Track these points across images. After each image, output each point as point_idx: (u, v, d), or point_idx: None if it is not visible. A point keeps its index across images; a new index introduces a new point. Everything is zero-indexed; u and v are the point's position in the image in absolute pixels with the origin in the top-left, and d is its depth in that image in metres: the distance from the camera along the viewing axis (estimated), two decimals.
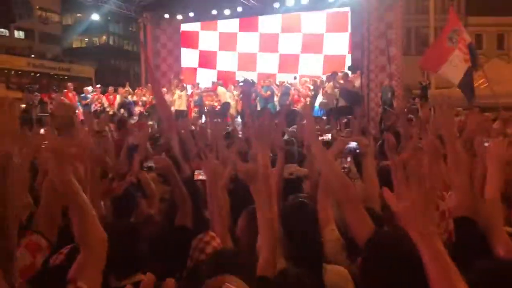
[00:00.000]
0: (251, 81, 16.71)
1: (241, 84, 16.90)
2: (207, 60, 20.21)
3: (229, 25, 19.73)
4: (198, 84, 18.52)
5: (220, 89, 16.93)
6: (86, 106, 16.71)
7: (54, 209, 2.29)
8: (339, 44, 17.66)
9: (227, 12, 18.72)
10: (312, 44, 18.23)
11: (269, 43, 19.10)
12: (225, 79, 18.34)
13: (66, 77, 33.07)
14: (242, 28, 19.59)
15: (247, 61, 19.52)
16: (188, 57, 20.43)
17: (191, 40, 20.41)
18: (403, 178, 1.41)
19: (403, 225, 1.42)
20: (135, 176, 3.69)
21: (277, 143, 3.51)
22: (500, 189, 2.39)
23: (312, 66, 18.12)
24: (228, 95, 16.65)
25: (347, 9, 16.99)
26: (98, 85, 17.21)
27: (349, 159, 3.82)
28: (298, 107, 15.18)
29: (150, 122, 12.57)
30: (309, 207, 2.59)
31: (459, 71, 9.38)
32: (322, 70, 17.56)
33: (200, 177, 3.56)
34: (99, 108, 16.50)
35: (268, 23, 19.06)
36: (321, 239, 2.50)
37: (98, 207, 3.31)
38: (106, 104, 17.10)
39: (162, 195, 3.73)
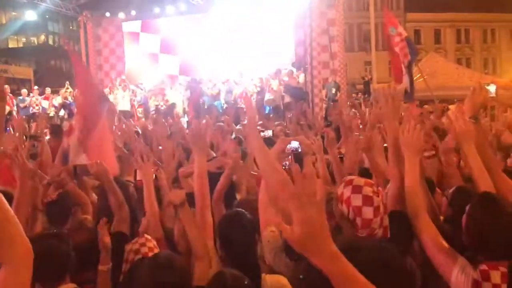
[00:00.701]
0: (197, 80, 16.57)
1: (188, 82, 16.72)
2: (150, 61, 19.74)
3: (171, 28, 19.34)
4: (141, 84, 18.09)
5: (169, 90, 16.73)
6: (24, 109, 16.01)
7: None
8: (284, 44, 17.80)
9: (170, 10, 18.44)
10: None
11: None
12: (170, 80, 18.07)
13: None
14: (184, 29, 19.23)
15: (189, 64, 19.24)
16: (133, 58, 19.93)
17: (133, 41, 19.88)
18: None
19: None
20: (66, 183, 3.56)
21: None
22: (418, 177, 2.45)
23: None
24: (175, 94, 16.46)
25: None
26: (36, 87, 16.46)
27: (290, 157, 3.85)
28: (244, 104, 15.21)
29: None
30: (245, 217, 2.56)
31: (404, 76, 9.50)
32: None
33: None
34: (37, 111, 15.81)
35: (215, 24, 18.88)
36: (256, 249, 2.47)
37: (33, 216, 3.18)
38: (46, 106, 16.43)
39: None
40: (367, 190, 2.05)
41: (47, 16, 30.62)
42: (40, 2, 17.98)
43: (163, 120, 9.77)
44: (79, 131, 4.18)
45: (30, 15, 18.89)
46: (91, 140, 4.11)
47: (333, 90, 15.01)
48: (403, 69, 9.46)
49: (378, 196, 2.06)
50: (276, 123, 9.04)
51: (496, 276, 2.00)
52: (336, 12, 16.91)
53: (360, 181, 2.11)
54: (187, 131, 7.44)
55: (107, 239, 2.68)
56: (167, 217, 3.18)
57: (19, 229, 1.53)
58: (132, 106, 16.42)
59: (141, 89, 17.20)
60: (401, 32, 9.70)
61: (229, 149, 4.70)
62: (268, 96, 14.59)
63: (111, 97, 16.22)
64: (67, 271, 2.29)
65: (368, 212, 2.02)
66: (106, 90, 16.54)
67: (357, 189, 2.06)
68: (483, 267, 2.04)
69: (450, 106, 7.74)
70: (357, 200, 2.04)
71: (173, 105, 15.70)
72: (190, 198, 2.66)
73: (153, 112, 15.83)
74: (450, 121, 2.72)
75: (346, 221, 2.07)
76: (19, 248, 1.52)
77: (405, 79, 9.39)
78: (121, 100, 16.01)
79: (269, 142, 5.69)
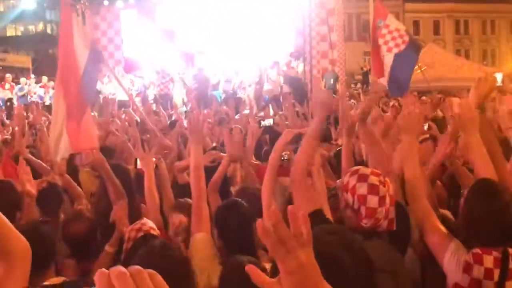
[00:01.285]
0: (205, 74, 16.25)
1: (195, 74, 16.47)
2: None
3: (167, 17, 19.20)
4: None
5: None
6: (23, 97, 15.96)
7: None
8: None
9: None
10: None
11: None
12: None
13: (0, 68, 31.33)
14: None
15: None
16: (131, 46, 19.80)
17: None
18: None
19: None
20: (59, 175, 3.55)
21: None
22: (418, 163, 2.44)
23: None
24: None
25: None
26: (33, 76, 16.38)
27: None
28: (243, 93, 15.23)
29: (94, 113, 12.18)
30: (241, 205, 2.56)
31: (386, 69, 9.07)
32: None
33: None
34: (35, 100, 15.76)
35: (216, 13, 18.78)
36: (254, 237, 2.43)
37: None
38: (42, 94, 16.36)
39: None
40: (373, 179, 2.04)
41: (44, 5, 30.31)
42: None
43: (162, 110, 9.80)
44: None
45: (28, 3, 18.71)
46: (72, 128, 3.99)
47: (332, 81, 14.97)
48: (384, 62, 9.11)
49: (384, 186, 2.04)
50: (272, 113, 9.08)
51: (488, 260, 2.02)
52: (335, 2, 16.81)
53: (366, 170, 2.11)
54: (185, 122, 7.46)
55: (125, 221, 2.71)
56: (167, 207, 3.19)
57: (12, 227, 1.52)
58: (130, 95, 16.32)
59: (141, 78, 17.07)
60: (388, 24, 9.44)
61: (228, 139, 4.69)
62: (266, 86, 14.58)
63: (111, 86, 16.20)
64: (51, 260, 2.27)
65: (373, 201, 2.00)
66: (105, 80, 16.51)
67: (363, 178, 2.05)
68: (477, 250, 2.06)
69: (448, 98, 7.63)
70: (362, 189, 2.02)
71: (170, 96, 15.63)
72: (187, 189, 2.67)
73: (152, 101, 15.79)
74: (451, 111, 2.71)
75: (350, 210, 2.07)
76: (18, 243, 1.51)
77: (386, 73, 9.00)
78: (119, 89, 15.91)
79: (270, 130, 5.73)
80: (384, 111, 7.33)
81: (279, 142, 2.52)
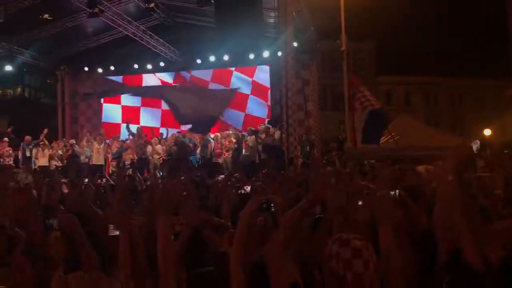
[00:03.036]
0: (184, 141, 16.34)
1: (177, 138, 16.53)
2: (129, 115, 19.86)
3: (152, 80, 19.76)
4: (118, 137, 18.02)
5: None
6: None
7: None
8: (260, 108, 18.47)
9: (149, 66, 18.82)
10: (237, 102, 18.82)
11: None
12: (148, 133, 18.14)
13: None
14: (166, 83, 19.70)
15: (170, 116, 19.56)
16: (111, 112, 20.02)
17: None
18: None
19: None
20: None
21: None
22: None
23: (234, 121, 18.56)
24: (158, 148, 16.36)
25: (267, 68, 17.99)
26: (6, 139, 16.14)
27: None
28: (220, 159, 15.29)
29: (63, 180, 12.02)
30: (213, 278, 2.51)
31: (360, 124, 9.92)
32: (242, 126, 18.03)
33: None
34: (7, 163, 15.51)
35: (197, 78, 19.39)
36: None
37: None
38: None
39: None
40: (356, 243, 2.01)
41: (24, 69, 30.61)
42: (18, 55, 18.08)
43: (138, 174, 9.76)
44: None
45: (7, 68, 18.95)
46: None
47: (307, 148, 15.28)
48: (360, 119, 9.93)
49: (367, 250, 2.00)
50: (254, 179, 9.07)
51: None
52: (310, 73, 17.56)
53: (348, 235, 2.10)
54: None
55: None
56: None
57: None
58: (107, 159, 16.26)
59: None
60: (363, 90, 10.22)
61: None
62: (244, 152, 14.73)
63: (87, 150, 16.10)
64: None
65: (358, 264, 1.95)
66: (83, 144, 16.45)
67: (345, 243, 2.02)
68: None
69: (419, 167, 7.88)
70: (346, 253, 1.98)
71: (146, 160, 15.57)
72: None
73: (128, 166, 15.70)
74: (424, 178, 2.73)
75: (336, 280, 2.01)
76: None
77: (358, 136, 9.92)
78: (95, 154, 15.86)
79: (247, 198, 5.70)
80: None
81: (244, 211, 2.49)
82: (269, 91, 18.37)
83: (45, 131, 16.42)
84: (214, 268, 2.62)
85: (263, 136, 14.80)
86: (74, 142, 16.94)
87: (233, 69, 18.95)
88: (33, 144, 15.99)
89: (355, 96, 10.28)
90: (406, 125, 17.46)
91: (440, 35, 60.23)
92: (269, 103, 18.47)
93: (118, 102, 20.11)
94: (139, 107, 20.02)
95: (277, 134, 14.86)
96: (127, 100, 19.94)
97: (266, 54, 17.46)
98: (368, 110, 9.78)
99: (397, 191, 3.78)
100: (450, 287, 2.45)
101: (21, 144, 15.93)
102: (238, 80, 19.05)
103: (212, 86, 19.38)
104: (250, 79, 18.89)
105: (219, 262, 2.81)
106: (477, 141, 16.90)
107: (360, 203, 3.44)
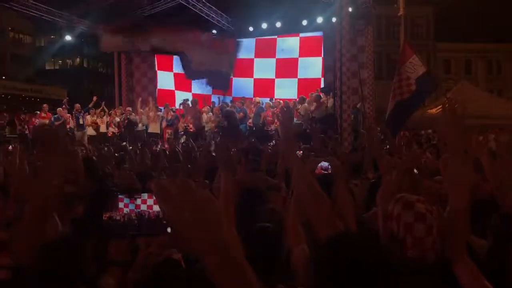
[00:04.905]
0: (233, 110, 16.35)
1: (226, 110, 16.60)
2: (181, 82, 20.17)
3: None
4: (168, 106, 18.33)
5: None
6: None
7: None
8: (312, 68, 18.11)
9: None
10: (287, 69, 18.59)
11: (244, 68, 19.29)
12: (200, 101, 18.36)
13: (38, 99, 32.47)
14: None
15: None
16: (165, 79, 20.38)
17: (166, 63, 20.37)
18: None
19: None
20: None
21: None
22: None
23: (287, 90, 18.39)
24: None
25: (320, 33, 17.54)
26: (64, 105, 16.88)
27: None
28: (272, 127, 15.29)
29: (124, 143, 12.52)
30: (270, 233, 2.50)
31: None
32: (297, 93, 17.82)
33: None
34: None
35: (243, 48, 19.24)
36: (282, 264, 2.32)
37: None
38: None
39: None
40: (420, 207, 1.93)
41: (82, 40, 31.55)
42: (78, 24, 18.64)
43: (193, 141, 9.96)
44: None
45: (67, 38, 19.58)
46: None
47: (358, 117, 14.94)
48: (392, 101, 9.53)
49: (431, 215, 1.91)
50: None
51: None
52: (366, 40, 17.01)
53: (412, 197, 2.01)
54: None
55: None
56: None
57: None
58: (163, 128, 16.68)
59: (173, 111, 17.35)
60: (402, 72, 9.64)
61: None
62: (295, 121, 14.63)
63: (144, 118, 16.57)
64: None
65: (420, 229, 1.88)
66: (140, 111, 16.93)
67: (408, 205, 1.94)
68: None
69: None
70: (408, 217, 1.91)
71: (203, 129, 15.81)
72: None
73: (182, 133, 16.04)
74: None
75: (395, 241, 1.94)
76: None
77: (389, 106, 9.53)
78: (151, 123, 16.33)
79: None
80: None
81: (306, 168, 2.46)
82: (322, 59, 17.95)
83: (95, 98, 17.18)
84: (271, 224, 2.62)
85: (313, 105, 14.60)
86: (131, 109, 17.43)
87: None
88: (83, 111, 16.63)
89: (399, 70, 9.73)
90: (466, 92, 16.74)
91: None
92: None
93: (171, 69, 20.40)
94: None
95: (330, 102, 14.62)
96: (179, 67, 20.18)
97: (319, 20, 17.01)
98: (396, 100, 9.44)
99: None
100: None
101: (73, 112, 16.57)
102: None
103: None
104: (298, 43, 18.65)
105: (273, 219, 2.82)
106: None
107: None
